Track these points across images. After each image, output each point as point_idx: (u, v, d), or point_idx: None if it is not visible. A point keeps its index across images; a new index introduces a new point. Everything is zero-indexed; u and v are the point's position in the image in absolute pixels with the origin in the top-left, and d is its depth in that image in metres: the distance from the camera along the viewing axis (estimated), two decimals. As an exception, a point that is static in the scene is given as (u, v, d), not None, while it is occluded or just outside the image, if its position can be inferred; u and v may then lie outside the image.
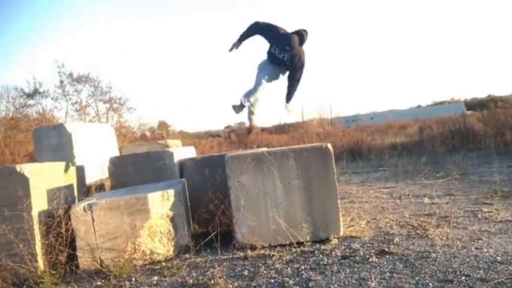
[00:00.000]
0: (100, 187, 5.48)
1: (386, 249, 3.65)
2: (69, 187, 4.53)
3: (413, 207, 5.30)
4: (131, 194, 4.02)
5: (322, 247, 3.87)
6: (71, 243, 3.79)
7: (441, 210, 4.94)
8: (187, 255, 3.95)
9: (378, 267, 3.28)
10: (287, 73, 5.13)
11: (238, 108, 5.01)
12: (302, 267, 3.42)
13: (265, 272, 3.39)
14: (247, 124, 5.00)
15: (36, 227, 3.73)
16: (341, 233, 4.11)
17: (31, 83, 15.74)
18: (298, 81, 5.11)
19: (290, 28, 5.04)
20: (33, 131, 6.98)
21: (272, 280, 3.22)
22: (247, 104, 4.93)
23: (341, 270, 3.27)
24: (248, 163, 4.08)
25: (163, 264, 3.84)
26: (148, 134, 18.24)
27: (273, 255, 3.76)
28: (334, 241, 4.00)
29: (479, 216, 4.54)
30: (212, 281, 3.26)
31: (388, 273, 3.14)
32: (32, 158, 9.40)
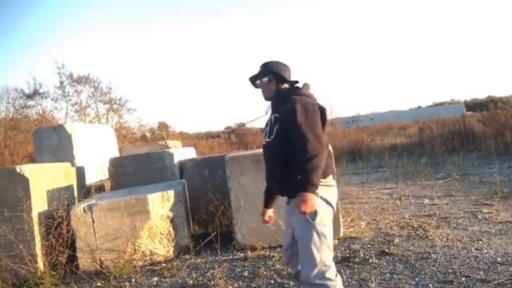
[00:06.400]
0: (100, 188, 5.48)
1: (386, 250, 3.65)
2: (69, 188, 4.53)
3: (413, 208, 5.30)
4: (131, 195, 4.02)
5: (322, 248, 3.86)
6: (71, 244, 3.79)
7: (441, 211, 4.93)
8: (187, 256, 3.95)
9: (378, 268, 3.28)
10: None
11: None
12: (302, 268, 3.41)
13: (265, 273, 3.39)
14: None
15: (36, 228, 3.73)
16: (341, 234, 4.11)
17: (31, 84, 15.78)
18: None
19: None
20: (33, 132, 6.99)
21: (272, 281, 3.21)
22: None
23: (341, 271, 3.26)
24: (248, 164, 4.08)
25: (163, 265, 3.84)
26: (148, 135, 18.25)
27: (273, 256, 3.76)
28: (334, 242, 3.99)
29: (479, 217, 4.53)
30: (212, 282, 3.26)
31: (388, 274, 3.14)
32: (32, 159, 9.41)
